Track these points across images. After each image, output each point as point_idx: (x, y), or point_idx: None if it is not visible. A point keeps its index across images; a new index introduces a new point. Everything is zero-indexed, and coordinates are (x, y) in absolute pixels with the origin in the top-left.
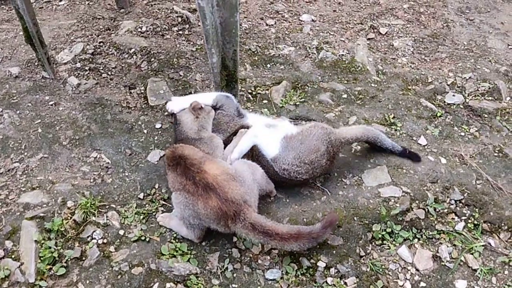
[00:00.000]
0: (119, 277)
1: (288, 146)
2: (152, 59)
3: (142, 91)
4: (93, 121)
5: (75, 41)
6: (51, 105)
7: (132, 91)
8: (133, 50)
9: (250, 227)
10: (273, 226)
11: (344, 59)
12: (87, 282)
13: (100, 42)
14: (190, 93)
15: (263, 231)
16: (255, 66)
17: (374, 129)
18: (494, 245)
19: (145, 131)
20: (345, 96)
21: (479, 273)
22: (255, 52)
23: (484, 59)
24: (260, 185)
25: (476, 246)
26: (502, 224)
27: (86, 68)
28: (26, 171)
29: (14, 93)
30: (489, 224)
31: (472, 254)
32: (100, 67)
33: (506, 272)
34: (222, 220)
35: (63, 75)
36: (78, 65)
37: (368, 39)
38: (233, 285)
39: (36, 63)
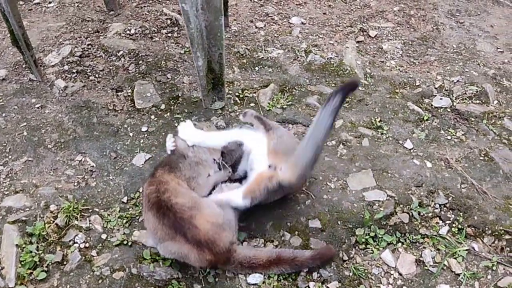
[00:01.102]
0: (100, 281)
1: None
2: (140, 62)
3: (129, 94)
4: (79, 124)
5: (63, 44)
6: (38, 108)
7: (119, 94)
8: (121, 52)
9: (238, 265)
10: (255, 255)
11: (332, 62)
12: (68, 286)
13: (88, 45)
14: (177, 96)
15: (248, 266)
16: (243, 69)
17: None
18: (478, 250)
19: (131, 134)
20: None
21: (462, 278)
22: (244, 55)
23: (472, 62)
24: (239, 208)
25: (459, 251)
26: (486, 229)
27: (74, 70)
28: (10, 175)
29: (0, 96)
30: (473, 228)
31: (455, 258)
32: (87, 69)
33: (489, 276)
34: (212, 266)
35: (50, 78)
36: (66, 67)
37: (358, 42)
38: None
39: (23, 66)
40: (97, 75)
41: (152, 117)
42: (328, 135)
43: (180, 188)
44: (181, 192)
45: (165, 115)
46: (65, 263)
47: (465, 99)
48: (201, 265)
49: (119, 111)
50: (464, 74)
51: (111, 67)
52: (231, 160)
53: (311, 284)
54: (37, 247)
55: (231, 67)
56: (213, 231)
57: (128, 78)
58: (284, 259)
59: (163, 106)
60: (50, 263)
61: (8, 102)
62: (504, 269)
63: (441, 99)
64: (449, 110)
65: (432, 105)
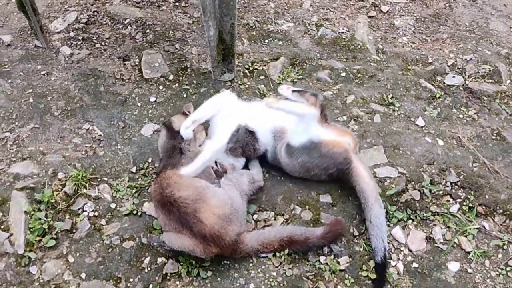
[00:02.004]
0: (109, 250)
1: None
2: (148, 31)
3: (137, 63)
4: (85, 92)
5: (68, 10)
6: (43, 74)
7: (126, 63)
8: (128, 20)
9: (245, 254)
10: (264, 243)
11: (343, 37)
12: (77, 254)
13: (94, 12)
14: (186, 67)
15: (257, 254)
16: (252, 41)
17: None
18: (489, 228)
19: (139, 104)
20: (343, 74)
21: (472, 256)
22: (253, 27)
23: (485, 41)
24: (248, 194)
25: (470, 229)
26: (497, 208)
27: (80, 37)
28: (16, 141)
29: (6, 62)
30: (484, 207)
31: (465, 236)
32: (93, 37)
33: (499, 255)
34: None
35: (56, 45)
36: (71, 34)
37: (369, 17)
38: (225, 261)
39: (28, 32)
40: (103, 43)
41: (161, 87)
42: None
43: (183, 181)
44: (184, 184)
45: (174, 86)
46: (74, 231)
47: (478, 77)
48: (207, 257)
49: (126, 81)
50: (477, 52)
51: (117, 35)
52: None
53: (322, 258)
54: (46, 214)
55: (240, 39)
56: (219, 225)
57: (135, 47)
58: (296, 240)
59: (171, 77)
60: (59, 231)
61: (13, 68)
62: None
63: (453, 77)
64: (461, 88)
65: (444, 83)
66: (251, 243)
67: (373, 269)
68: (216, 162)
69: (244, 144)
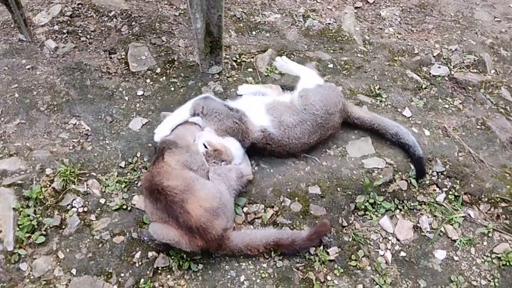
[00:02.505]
0: (100, 245)
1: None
2: (133, 23)
3: (123, 56)
4: (71, 86)
5: (52, 3)
6: (28, 69)
7: (112, 56)
8: (113, 13)
9: (230, 252)
10: (250, 244)
11: (331, 28)
12: (67, 250)
13: (78, 4)
14: (173, 59)
15: (242, 253)
16: (240, 33)
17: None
18: (474, 217)
19: (126, 98)
20: (331, 66)
21: (458, 244)
22: (240, 19)
23: (470, 31)
24: (236, 190)
25: (456, 217)
26: (482, 196)
27: (64, 31)
28: (3, 137)
29: None
30: (469, 195)
31: (452, 225)
32: (78, 30)
33: (485, 243)
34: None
35: (40, 38)
36: (56, 27)
37: (356, 7)
38: (216, 254)
39: (12, 25)
40: (88, 36)
41: (148, 80)
42: None
43: (173, 170)
44: (173, 174)
45: (161, 79)
46: (63, 227)
47: (463, 68)
48: (193, 250)
49: (113, 74)
50: (462, 43)
51: (103, 28)
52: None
53: (311, 249)
54: (35, 210)
55: (227, 31)
56: (206, 218)
57: (121, 40)
58: (282, 244)
59: (158, 70)
60: (48, 227)
61: None
62: (499, 236)
63: (439, 67)
64: (447, 78)
65: (430, 73)
66: (236, 242)
67: (416, 161)
68: (204, 144)
69: (235, 127)
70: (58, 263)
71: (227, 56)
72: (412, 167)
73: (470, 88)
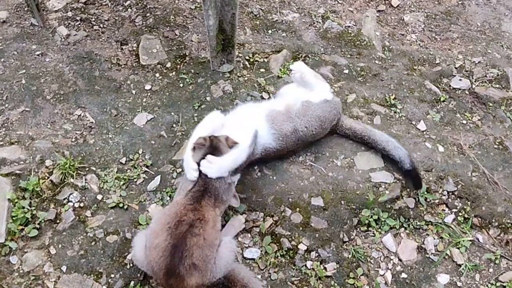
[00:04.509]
0: (92, 243)
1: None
2: (148, 14)
3: (134, 48)
4: (80, 76)
5: None
6: (38, 55)
7: (123, 47)
8: (128, 2)
9: None
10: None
11: (350, 31)
12: (59, 246)
13: None
14: (185, 54)
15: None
16: (255, 31)
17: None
18: (482, 241)
19: (134, 91)
20: (346, 71)
21: (463, 269)
22: (257, 16)
23: (496, 43)
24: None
25: (463, 241)
26: (493, 220)
27: (77, 18)
28: (5, 124)
29: (0, 40)
30: (479, 219)
31: (458, 248)
32: (92, 18)
33: (490, 270)
34: None
35: (52, 24)
36: (69, 14)
37: (378, 11)
38: None
39: (25, 9)
40: (101, 25)
41: (157, 75)
42: None
43: (213, 235)
44: (208, 243)
45: (171, 74)
46: (58, 221)
47: (485, 82)
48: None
49: (122, 66)
50: (486, 55)
51: (116, 18)
52: None
53: (309, 263)
54: (30, 203)
55: (243, 28)
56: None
57: (134, 31)
58: None
59: (169, 64)
60: (42, 221)
61: (7, 46)
62: (507, 263)
63: (460, 80)
64: (467, 92)
65: (450, 85)
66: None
67: (406, 175)
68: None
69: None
70: (49, 259)
71: (240, 55)
72: (422, 184)
73: (491, 104)
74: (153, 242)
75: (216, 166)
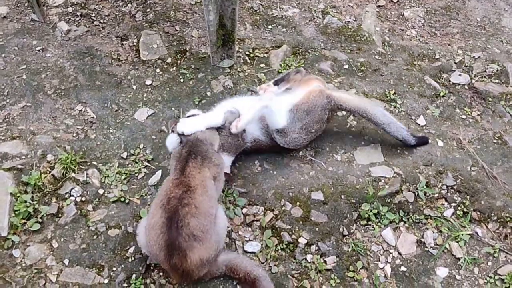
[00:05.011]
0: (94, 237)
1: (295, 118)
2: (148, 10)
3: (135, 44)
4: (80, 71)
5: None
6: (38, 50)
7: (124, 42)
8: None
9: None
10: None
11: (350, 27)
12: (62, 239)
13: None
14: (185, 50)
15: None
16: (255, 26)
17: (378, 108)
18: (481, 235)
19: (134, 86)
20: (346, 66)
21: (462, 262)
22: (257, 11)
23: (496, 39)
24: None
25: (462, 235)
26: (492, 214)
27: (78, 13)
28: (7, 119)
29: (1, 35)
30: (478, 213)
31: (457, 242)
32: (92, 13)
33: (489, 263)
34: None
35: (53, 19)
36: (70, 9)
37: (378, 6)
38: None
39: (25, 4)
40: (102, 21)
41: (157, 70)
42: None
43: (204, 203)
44: (202, 211)
45: (171, 70)
46: (60, 215)
47: (485, 77)
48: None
49: (123, 61)
50: (486, 50)
51: (117, 13)
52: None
53: (309, 256)
54: (32, 197)
55: (243, 23)
56: (198, 268)
57: (135, 27)
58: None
59: (169, 60)
60: (44, 215)
61: (8, 42)
62: (505, 256)
63: (459, 75)
64: (466, 87)
65: (449, 80)
66: (220, 266)
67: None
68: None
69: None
70: (51, 252)
71: (240, 50)
72: (421, 179)
73: (490, 99)
74: (150, 223)
75: (188, 122)
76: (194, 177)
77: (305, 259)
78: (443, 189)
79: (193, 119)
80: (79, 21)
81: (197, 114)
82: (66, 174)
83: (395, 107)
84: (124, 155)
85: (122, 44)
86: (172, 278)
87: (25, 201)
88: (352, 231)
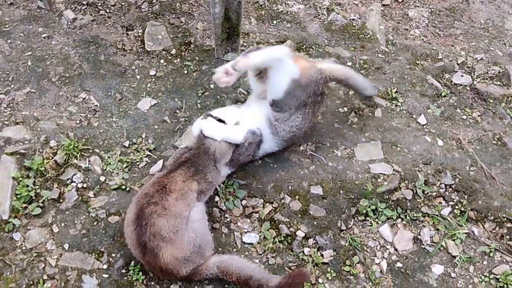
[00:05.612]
0: (95, 223)
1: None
2: (154, 1)
3: (140, 34)
4: (85, 59)
5: None
6: (44, 37)
7: (129, 32)
8: None
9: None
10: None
11: (354, 24)
12: (62, 224)
13: None
14: (189, 42)
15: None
16: (260, 21)
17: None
18: (477, 234)
19: (138, 76)
20: (349, 64)
21: (457, 260)
22: (263, 6)
23: (498, 41)
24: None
25: (459, 233)
26: (489, 214)
27: (84, 2)
28: (11, 104)
29: (7, 21)
30: (475, 212)
31: (453, 240)
32: (98, 2)
33: (485, 262)
34: None
35: (59, 7)
36: None
37: (383, 5)
38: None
39: None
40: (108, 10)
41: (162, 61)
42: None
43: (176, 207)
44: (170, 213)
45: (175, 61)
46: (61, 201)
47: (486, 79)
48: None
49: (128, 51)
50: (489, 52)
51: (123, 3)
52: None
53: (306, 249)
54: (34, 182)
55: (248, 18)
56: (173, 265)
57: (140, 17)
58: (250, 285)
59: (173, 51)
60: (46, 200)
61: (14, 28)
62: (501, 256)
63: (461, 76)
64: (468, 88)
65: (451, 81)
66: (211, 267)
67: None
68: None
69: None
70: (52, 237)
71: (244, 44)
72: (420, 177)
73: (491, 101)
74: (126, 217)
75: (212, 126)
76: (176, 182)
77: (302, 252)
78: (441, 188)
79: (219, 126)
80: (85, 10)
81: (233, 113)
82: (68, 161)
83: (396, 105)
84: (126, 143)
85: (127, 34)
86: (153, 275)
87: (27, 186)
88: (349, 226)
